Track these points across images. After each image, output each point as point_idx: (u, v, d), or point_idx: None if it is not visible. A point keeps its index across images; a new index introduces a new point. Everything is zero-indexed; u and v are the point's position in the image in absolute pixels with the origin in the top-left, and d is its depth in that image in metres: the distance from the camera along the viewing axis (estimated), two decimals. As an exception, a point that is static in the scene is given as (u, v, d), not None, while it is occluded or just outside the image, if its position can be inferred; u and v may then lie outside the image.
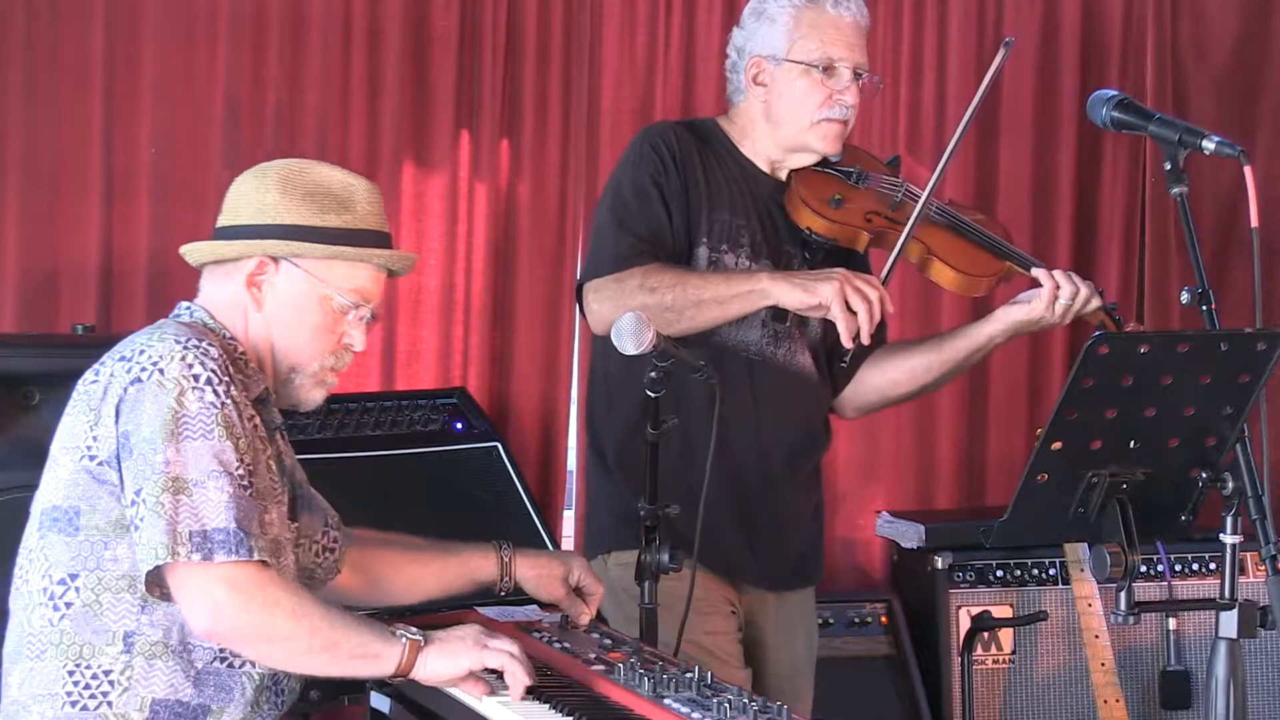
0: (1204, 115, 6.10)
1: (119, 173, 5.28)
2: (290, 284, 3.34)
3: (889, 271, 4.15)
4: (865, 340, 4.02)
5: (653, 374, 3.73)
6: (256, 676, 3.29)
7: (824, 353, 4.36)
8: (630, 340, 3.64)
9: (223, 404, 3.17)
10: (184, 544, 3.09)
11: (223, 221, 3.39)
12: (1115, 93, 3.67)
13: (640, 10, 5.70)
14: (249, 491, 3.17)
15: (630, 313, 3.66)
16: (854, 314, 3.98)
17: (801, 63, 4.22)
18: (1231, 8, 6.29)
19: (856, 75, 4.24)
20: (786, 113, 4.27)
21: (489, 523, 4.89)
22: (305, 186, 3.34)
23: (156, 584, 3.17)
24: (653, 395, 3.77)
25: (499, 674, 3.26)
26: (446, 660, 3.23)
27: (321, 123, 5.44)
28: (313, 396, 3.43)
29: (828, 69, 4.22)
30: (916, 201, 4.21)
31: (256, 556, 3.13)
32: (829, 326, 4.23)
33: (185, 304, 3.42)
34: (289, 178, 3.36)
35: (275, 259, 3.33)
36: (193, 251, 3.41)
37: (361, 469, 4.94)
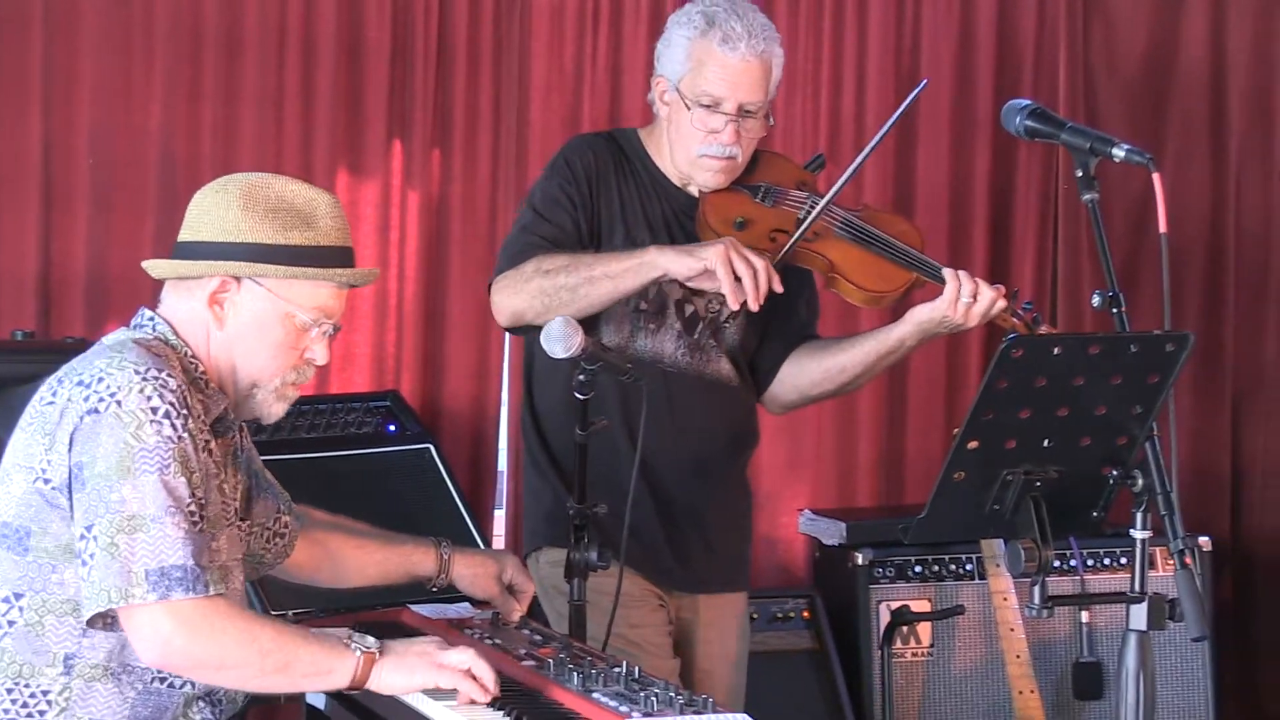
0: (1114, 124, 6.16)
1: (57, 181, 5.29)
2: (253, 302, 3.30)
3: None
4: (754, 306, 4.01)
5: (581, 377, 3.77)
6: (189, 690, 3.27)
7: (744, 359, 4.38)
8: (559, 344, 3.68)
9: (179, 438, 3.13)
10: (139, 584, 3.06)
11: (184, 237, 3.32)
12: (1028, 102, 3.70)
13: (569, 24, 5.74)
14: (199, 527, 3.13)
15: (559, 317, 3.70)
16: (740, 280, 3.98)
17: (686, 96, 4.20)
18: (1141, 20, 6.35)
19: (745, 113, 4.19)
20: (675, 140, 4.25)
21: (421, 522, 4.88)
22: (268, 202, 3.27)
23: (100, 617, 3.13)
24: (581, 398, 3.80)
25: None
26: (402, 675, 3.23)
27: (258, 132, 5.45)
28: (274, 410, 3.38)
29: (709, 106, 4.18)
30: (824, 216, 4.21)
31: (212, 591, 3.11)
32: (747, 333, 4.31)
33: (148, 314, 3.36)
34: (251, 193, 3.28)
35: (238, 278, 3.28)
36: (155, 268, 3.36)
37: (296, 471, 4.90)
